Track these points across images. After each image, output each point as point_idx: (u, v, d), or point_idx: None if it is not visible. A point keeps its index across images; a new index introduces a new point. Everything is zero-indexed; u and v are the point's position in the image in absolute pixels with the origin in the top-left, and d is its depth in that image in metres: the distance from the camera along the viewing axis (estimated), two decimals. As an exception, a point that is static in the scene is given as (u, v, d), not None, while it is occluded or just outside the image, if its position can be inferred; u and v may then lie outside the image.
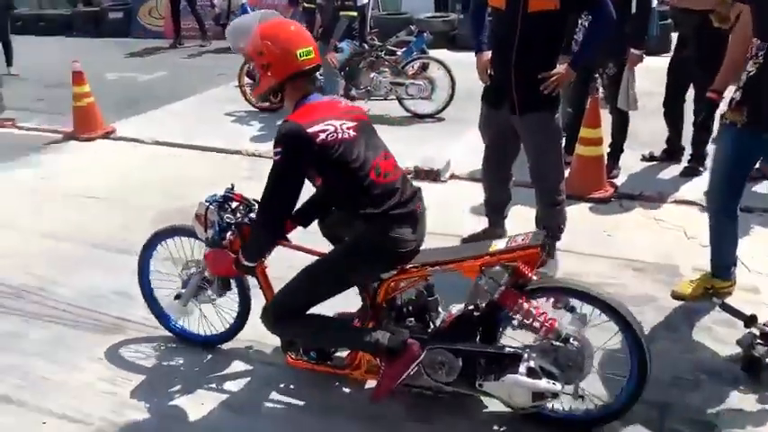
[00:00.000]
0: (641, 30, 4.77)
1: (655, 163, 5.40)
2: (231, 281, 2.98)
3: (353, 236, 2.58)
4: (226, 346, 3.21)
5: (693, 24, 4.74)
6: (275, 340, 2.94)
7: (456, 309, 2.68)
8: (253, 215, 2.81)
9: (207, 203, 2.80)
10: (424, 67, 7.17)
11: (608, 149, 5.07)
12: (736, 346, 2.91)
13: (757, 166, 4.38)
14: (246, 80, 7.38)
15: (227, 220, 2.78)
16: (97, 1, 14.11)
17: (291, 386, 2.94)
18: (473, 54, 3.70)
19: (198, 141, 6.29)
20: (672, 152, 5.40)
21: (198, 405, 2.85)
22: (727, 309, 3.02)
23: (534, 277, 2.45)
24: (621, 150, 5.20)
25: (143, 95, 8.24)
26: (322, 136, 2.39)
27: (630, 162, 5.31)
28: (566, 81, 3.39)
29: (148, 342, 3.29)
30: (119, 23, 13.05)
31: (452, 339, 2.56)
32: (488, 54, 3.58)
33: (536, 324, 2.42)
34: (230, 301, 3.09)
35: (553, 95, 3.38)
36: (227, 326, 3.15)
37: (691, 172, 5.10)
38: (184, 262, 3.07)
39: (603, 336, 2.53)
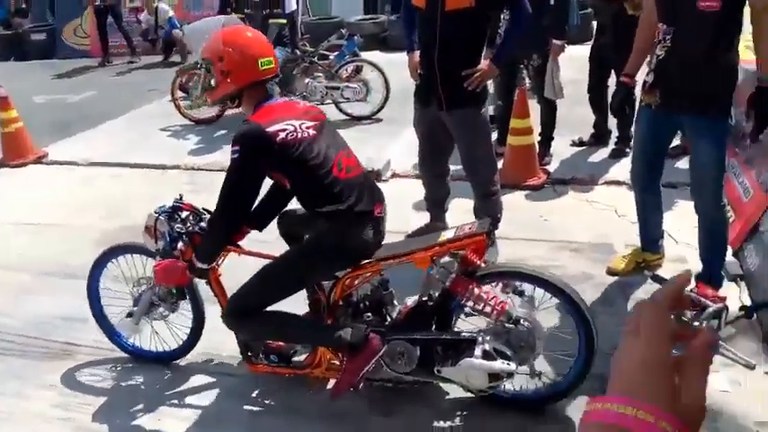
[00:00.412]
0: (561, 21, 4.99)
1: (584, 147, 5.65)
2: (185, 293, 2.97)
3: (314, 234, 2.63)
4: (184, 360, 3.21)
5: (611, 13, 4.98)
6: (233, 350, 2.96)
7: (411, 300, 2.76)
8: (203, 224, 2.80)
9: (156, 214, 2.79)
10: (358, 70, 7.26)
11: (539, 138, 5.28)
12: (667, 313, 3.11)
13: (678, 142, 4.66)
14: (180, 94, 7.33)
15: (178, 230, 2.77)
16: (18, 23, 13.67)
17: (254, 392, 2.98)
18: (406, 54, 3.82)
19: (135, 159, 6.22)
20: (599, 136, 5.65)
21: (159, 422, 2.86)
22: (658, 280, 3.21)
23: (482, 264, 2.55)
24: (552, 138, 5.41)
25: (74, 117, 8.07)
26: (282, 135, 2.42)
27: (561, 148, 5.53)
28: (489, 77, 3.53)
29: (103, 364, 3.27)
30: (43, 45, 12.70)
31: (409, 330, 2.62)
32: (419, 53, 3.70)
33: (487, 308, 2.51)
34: (184, 315, 3.09)
35: (478, 91, 3.51)
36: (183, 340, 3.14)
37: (618, 153, 5.36)
38: (135, 279, 3.05)
39: (552, 317, 2.67)
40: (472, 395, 2.71)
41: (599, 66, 5.34)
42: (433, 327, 2.67)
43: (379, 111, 7.03)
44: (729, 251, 3.47)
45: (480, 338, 2.54)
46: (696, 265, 3.37)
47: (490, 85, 4.76)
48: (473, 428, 2.70)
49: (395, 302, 2.79)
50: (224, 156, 6.14)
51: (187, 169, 5.94)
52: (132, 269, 3.13)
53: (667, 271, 3.48)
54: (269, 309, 2.67)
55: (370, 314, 2.76)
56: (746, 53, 3.41)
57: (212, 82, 2.63)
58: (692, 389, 0.60)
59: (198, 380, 3.11)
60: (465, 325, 2.72)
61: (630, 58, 3.33)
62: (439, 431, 2.68)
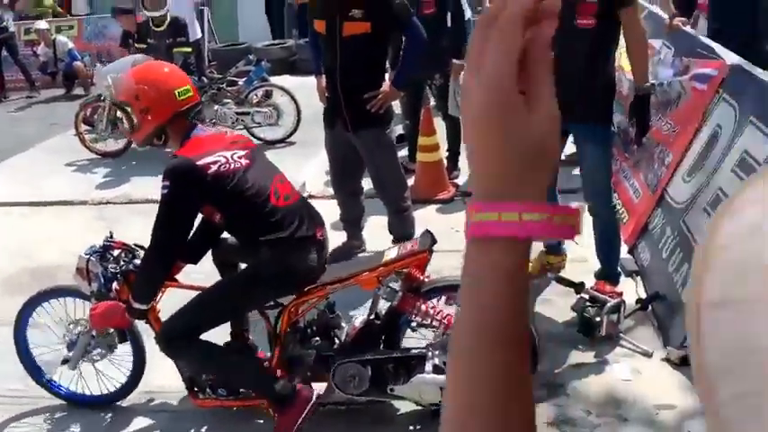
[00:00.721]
0: (459, 42, 5.21)
1: (490, 160, 5.89)
2: (125, 334, 2.85)
3: (255, 262, 2.59)
4: (125, 401, 3.09)
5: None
6: (178, 386, 2.87)
7: (358, 321, 2.77)
8: (137, 261, 2.72)
9: (87, 256, 2.70)
10: (268, 95, 7.30)
11: (446, 153, 5.48)
12: (572, 311, 3.32)
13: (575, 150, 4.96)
14: (84, 127, 7.13)
15: (112, 270, 2.68)
16: None
17: (202, 429, 2.90)
18: (314, 78, 3.93)
19: (39, 196, 5.99)
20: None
21: None
22: (560, 280, 3.43)
23: (425, 279, 2.62)
24: (458, 153, 5.63)
25: (-29, 156, 7.68)
26: (214, 168, 2.40)
27: (467, 162, 5.73)
28: (391, 98, 3.68)
29: (36, 414, 3.09)
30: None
31: (359, 351, 2.65)
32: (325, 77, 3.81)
33: (435, 323, 2.59)
34: (123, 354, 2.99)
35: (381, 112, 3.65)
36: (124, 381, 3.01)
37: (521, 164, 5.63)
38: (66, 324, 2.92)
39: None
40: (424, 408, 2.73)
41: None
42: (381, 346, 2.71)
43: (291, 134, 7.08)
44: (625, 249, 3.73)
45: (430, 353, 2.59)
46: (595, 265, 3.61)
47: (398, 106, 4.94)
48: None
49: (342, 325, 2.80)
50: (133, 188, 6.03)
51: (95, 204, 5.78)
52: (61, 313, 3.00)
53: (570, 271, 3.70)
54: (205, 339, 2.62)
55: (318, 339, 2.75)
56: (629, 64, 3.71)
57: (134, 124, 2.58)
58: (541, 99, 0.54)
59: (141, 421, 2.99)
60: (412, 339, 2.77)
61: None
62: None
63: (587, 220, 3.61)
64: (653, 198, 3.95)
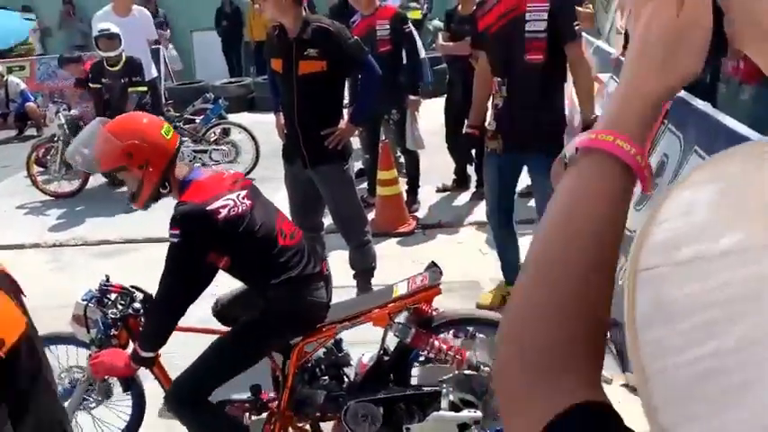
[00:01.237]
0: (414, 78, 5.33)
1: (448, 192, 5.98)
2: (127, 383, 2.71)
3: (265, 307, 2.49)
4: None
5: (458, 68, 5.41)
6: None
7: (367, 358, 2.70)
8: (136, 305, 2.62)
9: (84, 302, 2.59)
10: (226, 132, 7.30)
11: (406, 187, 5.54)
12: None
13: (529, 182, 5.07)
14: (37, 168, 6.99)
15: (112, 316, 2.57)
16: None
17: None
18: (273, 115, 3.95)
19: (-11, 241, 5.82)
20: (460, 181, 6.02)
21: None
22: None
23: (434, 314, 2.58)
24: (417, 185, 5.70)
25: None
26: (223, 212, 2.32)
27: (427, 195, 5.83)
28: (348, 135, 3.72)
29: None
30: None
31: (370, 389, 2.59)
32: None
33: (448, 359, 2.53)
34: (121, 401, 2.87)
35: (339, 148, 3.67)
36: (122, 428, 2.88)
37: (479, 196, 5.71)
38: (58, 372, 2.77)
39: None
40: None
41: (452, 117, 5.75)
42: (391, 383, 2.65)
43: (250, 171, 7.05)
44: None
45: (444, 390, 2.54)
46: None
47: (356, 141, 4.99)
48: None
49: (351, 363, 2.73)
50: (87, 230, 5.91)
51: (48, 247, 5.64)
52: (54, 361, 2.82)
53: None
54: (214, 405, 2.54)
55: (327, 378, 2.68)
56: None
57: (134, 186, 2.47)
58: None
59: None
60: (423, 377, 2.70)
61: (471, 111, 3.67)
62: None
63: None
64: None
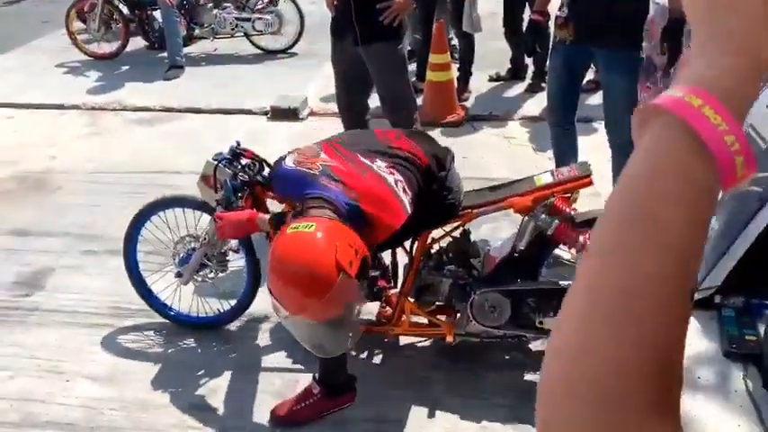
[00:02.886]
0: (478, -49, 4.86)
1: (501, 82, 5.63)
2: (240, 248, 2.68)
3: None
4: (235, 325, 2.90)
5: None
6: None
7: (494, 250, 2.57)
8: (264, 172, 2.55)
9: (215, 162, 2.52)
10: (273, 2, 6.92)
11: (457, 73, 5.21)
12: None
13: (591, 77, 4.71)
14: (78, 25, 6.78)
15: (242, 178, 2.50)
16: None
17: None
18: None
19: (29, 99, 5.72)
20: (516, 71, 5.65)
21: (215, 395, 2.58)
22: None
23: (572, 211, 2.38)
24: (470, 73, 5.36)
25: (-44, 52, 7.34)
26: None
27: (478, 84, 5.50)
28: (405, 10, 3.40)
29: (144, 328, 2.91)
30: None
31: (500, 281, 2.46)
32: None
33: None
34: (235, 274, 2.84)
35: (395, 25, 3.38)
36: (234, 302, 2.83)
37: (534, 88, 5.38)
38: (179, 238, 2.74)
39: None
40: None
41: None
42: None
43: (294, 44, 6.74)
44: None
45: None
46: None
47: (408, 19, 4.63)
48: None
49: (480, 253, 2.58)
50: (127, 93, 5.77)
51: (87, 109, 5.53)
52: (172, 226, 2.79)
53: (583, 204, 3.52)
54: None
55: (453, 267, 2.54)
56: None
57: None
58: None
59: (250, 346, 2.81)
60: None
61: None
62: None
63: (605, 153, 3.44)
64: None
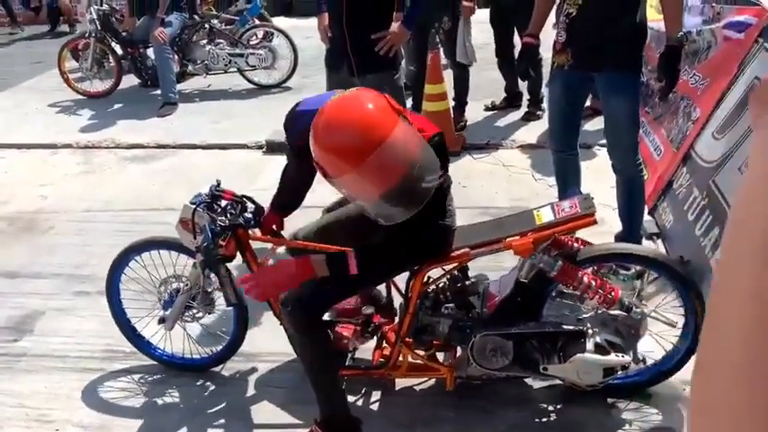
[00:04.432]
0: (470, -18, 4.87)
1: (497, 111, 5.60)
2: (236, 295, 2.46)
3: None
4: (225, 368, 2.79)
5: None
6: (282, 351, 2.62)
7: (493, 287, 2.46)
8: (247, 214, 2.42)
9: (193, 205, 2.38)
10: (267, 37, 6.93)
11: (452, 103, 5.18)
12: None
13: (588, 104, 4.67)
14: (70, 65, 6.76)
15: (221, 224, 2.36)
16: None
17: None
18: (312, 20, 3.60)
19: (20, 138, 5.66)
20: (511, 99, 5.63)
21: None
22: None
23: (578, 247, 2.29)
24: (466, 103, 5.33)
25: (-52, 94, 7.30)
26: None
27: (474, 113, 5.46)
28: (401, 40, 3.36)
29: (135, 372, 2.79)
30: None
31: (501, 323, 2.35)
32: (328, 15, 3.48)
33: (598, 297, 2.25)
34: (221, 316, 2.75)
35: (390, 55, 3.34)
36: (222, 344, 2.72)
37: (530, 116, 5.36)
38: (162, 279, 2.63)
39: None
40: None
41: (501, 28, 5.30)
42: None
43: (287, 79, 6.73)
44: (645, 210, 3.48)
45: (589, 330, 2.28)
46: (614, 226, 3.37)
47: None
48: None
49: (479, 292, 2.46)
50: (120, 131, 5.71)
51: (80, 147, 5.46)
52: (156, 267, 2.68)
53: (586, 232, 3.45)
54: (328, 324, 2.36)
55: (451, 307, 2.42)
56: (653, 13, 3.40)
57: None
58: None
59: (244, 388, 2.69)
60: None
61: (533, 17, 3.25)
62: None
63: (607, 179, 3.37)
64: (677, 156, 3.68)
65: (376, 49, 3.29)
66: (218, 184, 2.47)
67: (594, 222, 2.30)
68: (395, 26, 3.35)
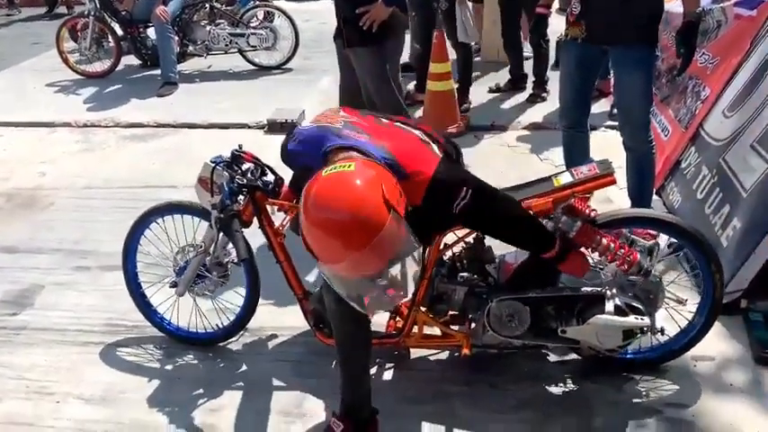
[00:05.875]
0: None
1: (501, 93, 5.55)
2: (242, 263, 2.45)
3: None
4: (235, 343, 2.75)
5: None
6: (295, 325, 2.63)
7: (510, 257, 2.41)
8: (267, 178, 2.40)
9: (212, 164, 2.37)
10: (268, 17, 6.84)
11: (457, 84, 5.12)
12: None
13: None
14: (69, 45, 6.67)
15: (239, 181, 2.35)
16: None
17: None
18: (311, 3, 3.61)
19: (19, 117, 5.58)
20: (515, 81, 5.56)
21: (214, 413, 2.39)
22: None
23: (592, 212, 2.23)
24: (470, 83, 5.27)
25: (-55, 73, 7.21)
26: None
27: (478, 95, 5.41)
28: (380, 17, 3.34)
29: (139, 345, 2.75)
30: None
31: (518, 288, 2.31)
32: None
33: (617, 260, 2.20)
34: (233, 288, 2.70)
35: (373, 31, 3.36)
36: (232, 318, 2.67)
37: (535, 98, 5.30)
38: (180, 247, 2.59)
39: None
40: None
41: (508, 8, 5.23)
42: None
43: (288, 60, 6.66)
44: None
45: (609, 293, 2.25)
46: (623, 205, 3.32)
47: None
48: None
49: (495, 258, 2.42)
50: (120, 111, 5.65)
51: (79, 126, 5.39)
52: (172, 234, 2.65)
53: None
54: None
55: (467, 274, 2.38)
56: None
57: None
58: None
59: (253, 362, 2.64)
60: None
61: None
62: None
63: (616, 159, 3.32)
64: (685, 135, 3.63)
65: (360, 23, 3.34)
66: (240, 147, 2.46)
67: (614, 182, 2.26)
68: (378, 3, 3.35)
